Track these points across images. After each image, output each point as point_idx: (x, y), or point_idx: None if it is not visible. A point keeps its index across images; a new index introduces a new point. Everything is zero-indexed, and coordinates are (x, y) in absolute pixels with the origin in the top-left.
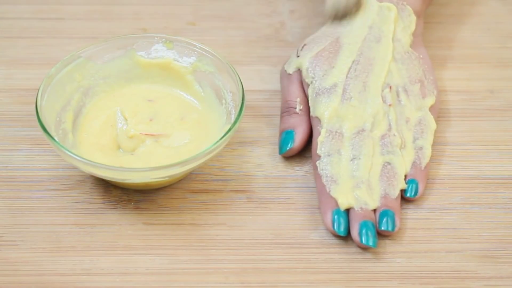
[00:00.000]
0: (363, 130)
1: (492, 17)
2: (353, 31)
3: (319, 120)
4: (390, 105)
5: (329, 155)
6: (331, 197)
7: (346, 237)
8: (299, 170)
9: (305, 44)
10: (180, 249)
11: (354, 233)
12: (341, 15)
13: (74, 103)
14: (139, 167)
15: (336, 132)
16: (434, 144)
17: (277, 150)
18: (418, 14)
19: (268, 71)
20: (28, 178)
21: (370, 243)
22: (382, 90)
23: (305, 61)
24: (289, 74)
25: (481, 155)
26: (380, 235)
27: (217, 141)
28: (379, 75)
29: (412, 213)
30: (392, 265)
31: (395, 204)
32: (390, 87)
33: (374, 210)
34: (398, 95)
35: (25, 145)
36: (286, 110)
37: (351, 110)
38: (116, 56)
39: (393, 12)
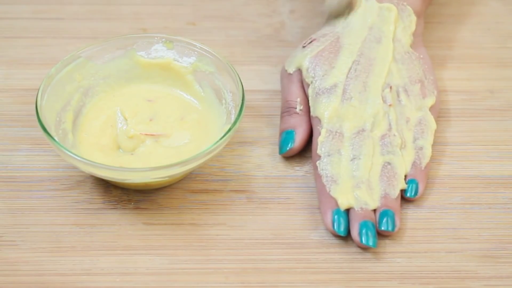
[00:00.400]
0: (363, 130)
1: (492, 17)
2: (353, 32)
3: (319, 120)
4: (390, 105)
5: (329, 155)
6: (331, 197)
7: (346, 237)
8: (299, 170)
9: (314, 39)
10: (180, 249)
11: (354, 233)
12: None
13: (74, 103)
14: (139, 167)
15: (336, 132)
16: (434, 144)
17: (277, 150)
18: (418, 14)
19: (268, 71)
20: (28, 178)
21: (370, 243)
22: (383, 90)
23: (305, 61)
24: (290, 74)
25: (481, 155)
26: (380, 235)
27: (217, 141)
28: (380, 75)
29: (412, 213)
30: (392, 265)
31: (395, 204)
32: (390, 87)
33: (374, 210)
34: (398, 95)
35: (25, 145)
36: (286, 110)
37: (351, 110)
38: (116, 56)
39: (393, 12)
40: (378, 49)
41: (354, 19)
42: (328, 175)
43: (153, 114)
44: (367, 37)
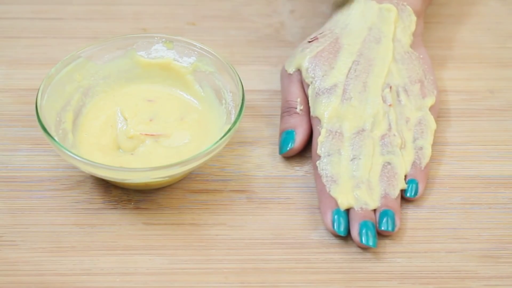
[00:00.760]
0: (363, 130)
1: (492, 17)
2: (352, 32)
3: (319, 120)
4: (390, 105)
5: (329, 155)
6: (331, 197)
7: (346, 237)
8: (299, 170)
9: (316, 38)
10: (180, 249)
11: (354, 233)
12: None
13: (74, 103)
14: (139, 167)
15: (336, 132)
16: (434, 144)
17: (277, 150)
18: (418, 14)
19: (268, 71)
20: (28, 178)
21: (370, 243)
22: (382, 90)
23: (304, 61)
24: (290, 74)
25: (481, 155)
26: (380, 235)
27: (217, 141)
28: (379, 75)
29: (412, 213)
30: (392, 265)
31: (395, 204)
32: (390, 87)
33: (374, 210)
34: (398, 95)
35: (25, 145)
36: (286, 110)
37: (351, 110)
38: (116, 56)
39: (393, 13)
40: (378, 49)
41: (353, 20)
42: (328, 175)
43: (153, 114)
44: (367, 37)
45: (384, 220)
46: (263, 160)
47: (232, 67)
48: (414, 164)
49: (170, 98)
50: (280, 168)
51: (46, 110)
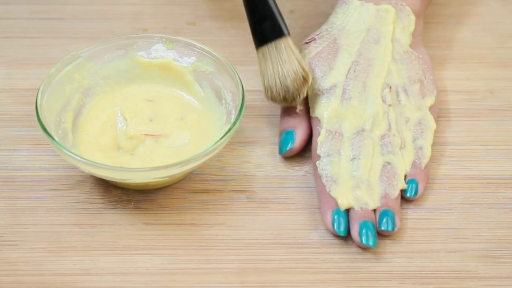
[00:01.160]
0: (363, 130)
1: (492, 17)
2: (350, 33)
3: (318, 120)
4: (390, 105)
5: (329, 155)
6: (331, 197)
7: (346, 237)
8: (299, 170)
9: (314, 39)
10: (180, 249)
11: (354, 233)
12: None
13: (74, 103)
14: (139, 167)
15: (336, 132)
16: (434, 144)
17: (277, 150)
18: (417, 14)
19: None
20: (28, 178)
21: (370, 243)
22: (382, 90)
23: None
24: None
25: (481, 155)
26: (380, 235)
27: (217, 141)
28: (379, 76)
29: (412, 213)
30: (392, 265)
31: (395, 204)
32: (390, 87)
33: (374, 210)
34: (397, 95)
35: (25, 145)
36: (286, 110)
37: (350, 110)
38: (116, 56)
39: (391, 13)
40: (377, 49)
41: (351, 22)
42: (328, 175)
43: (153, 114)
44: (365, 38)
45: (384, 220)
46: (263, 160)
47: (232, 67)
48: (414, 164)
49: (170, 98)
50: (280, 168)
51: (46, 110)
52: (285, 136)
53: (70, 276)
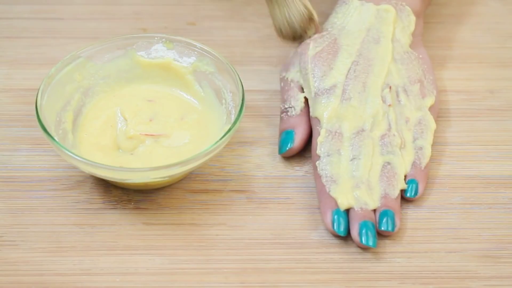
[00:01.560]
0: (362, 130)
1: (492, 17)
2: (350, 34)
3: (318, 120)
4: (389, 105)
5: (328, 155)
6: (331, 197)
7: (346, 237)
8: (299, 170)
9: (312, 40)
10: (180, 249)
11: (354, 233)
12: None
13: (74, 103)
14: (139, 167)
15: (335, 132)
16: (434, 144)
17: (277, 150)
18: (417, 14)
19: (268, 71)
20: (28, 178)
21: (370, 243)
22: (382, 90)
23: None
24: None
25: (481, 155)
26: (380, 235)
27: (217, 141)
28: (379, 76)
29: (412, 213)
30: (392, 265)
31: (395, 204)
32: (390, 87)
33: (374, 210)
34: (397, 95)
35: (25, 145)
36: (286, 110)
37: (350, 110)
38: (116, 56)
39: (391, 13)
40: (377, 49)
41: (351, 22)
42: (328, 175)
43: (153, 114)
44: (365, 38)
45: (384, 220)
46: (263, 160)
47: (232, 67)
48: (414, 164)
49: (170, 98)
50: (280, 168)
51: (46, 110)
52: (285, 136)
53: (70, 276)
